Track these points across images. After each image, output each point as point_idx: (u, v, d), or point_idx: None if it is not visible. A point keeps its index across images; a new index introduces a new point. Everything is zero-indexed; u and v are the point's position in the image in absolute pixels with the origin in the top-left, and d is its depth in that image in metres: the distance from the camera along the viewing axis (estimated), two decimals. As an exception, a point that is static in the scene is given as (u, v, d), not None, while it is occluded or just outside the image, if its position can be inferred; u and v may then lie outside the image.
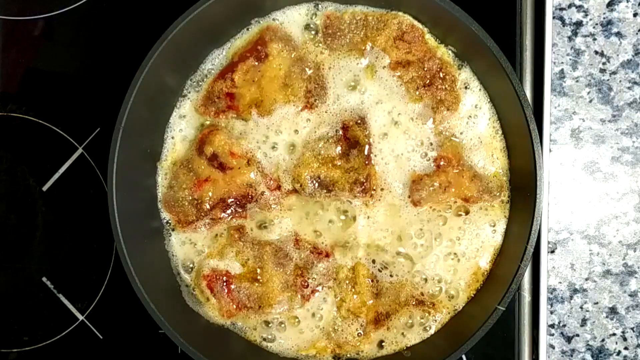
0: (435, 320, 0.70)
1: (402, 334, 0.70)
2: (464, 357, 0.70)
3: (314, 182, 0.69)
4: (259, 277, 0.70)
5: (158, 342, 0.74)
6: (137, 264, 0.67)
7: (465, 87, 0.69)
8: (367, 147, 0.69)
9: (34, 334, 0.80)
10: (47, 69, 0.80)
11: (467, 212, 0.69)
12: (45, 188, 0.80)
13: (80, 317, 0.80)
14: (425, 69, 0.68)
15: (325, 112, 0.70)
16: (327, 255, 0.70)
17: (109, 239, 0.68)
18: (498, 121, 0.69)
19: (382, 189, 0.70)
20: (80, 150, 0.79)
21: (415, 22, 0.69)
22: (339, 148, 0.69)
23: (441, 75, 0.68)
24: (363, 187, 0.69)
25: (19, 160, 0.80)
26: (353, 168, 0.69)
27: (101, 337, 0.79)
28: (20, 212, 0.81)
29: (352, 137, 0.69)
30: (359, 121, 0.69)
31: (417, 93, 0.69)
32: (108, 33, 0.79)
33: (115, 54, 0.78)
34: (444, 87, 0.68)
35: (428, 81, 0.68)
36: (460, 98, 0.69)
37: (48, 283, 0.80)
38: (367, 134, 0.69)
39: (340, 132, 0.69)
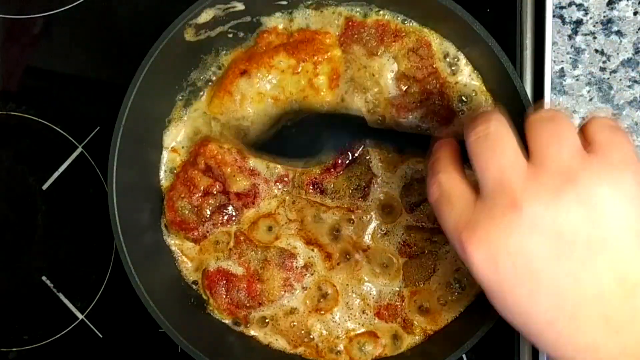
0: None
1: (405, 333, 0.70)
2: (464, 356, 0.70)
3: (316, 188, 0.69)
4: (260, 278, 0.70)
5: (158, 340, 0.74)
6: (137, 263, 0.67)
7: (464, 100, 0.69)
8: (367, 153, 0.69)
9: (33, 333, 0.80)
10: (47, 68, 0.80)
11: None
12: (44, 187, 0.80)
13: (80, 316, 0.80)
14: (428, 88, 0.68)
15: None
16: (329, 257, 0.70)
17: (109, 238, 0.68)
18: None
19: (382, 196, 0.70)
20: (80, 149, 0.79)
21: (434, 45, 0.68)
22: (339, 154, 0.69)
23: (440, 92, 0.69)
24: (364, 192, 0.69)
25: (19, 159, 0.80)
26: (355, 174, 0.69)
27: (101, 336, 0.79)
28: (20, 211, 0.80)
29: (351, 144, 0.69)
30: None
31: (413, 104, 0.68)
32: (108, 31, 0.79)
33: (115, 52, 0.78)
34: (440, 104, 0.68)
35: (425, 97, 0.68)
36: (456, 113, 0.69)
37: (48, 282, 0.80)
38: (365, 140, 0.68)
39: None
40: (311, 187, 0.69)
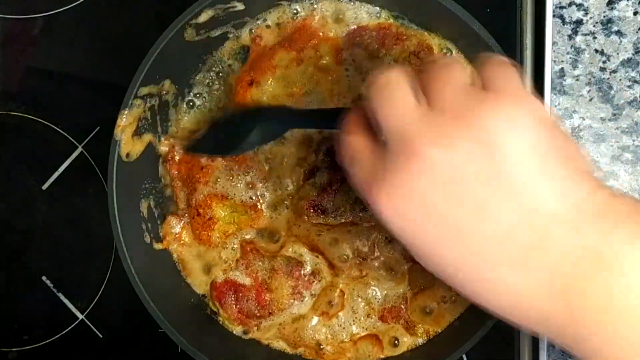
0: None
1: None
2: (464, 356, 0.70)
3: (317, 210, 0.69)
4: (268, 287, 0.70)
5: (158, 340, 0.74)
6: (137, 263, 0.67)
7: None
8: None
9: (33, 333, 0.80)
10: (47, 68, 0.79)
11: None
12: (44, 187, 0.79)
13: (80, 316, 0.79)
14: None
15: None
16: (333, 265, 0.70)
17: (109, 238, 0.68)
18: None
19: None
20: (80, 149, 0.79)
21: (435, 49, 0.68)
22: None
23: None
24: (363, 204, 0.68)
25: (19, 159, 0.80)
26: (351, 188, 0.68)
27: (101, 336, 0.79)
28: (20, 211, 0.80)
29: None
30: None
31: None
32: (108, 31, 0.79)
33: (115, 52, 0.78)
34: None
35: None
36: None
37: (47, 282, 0.80)
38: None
39: (329, 158, 0.69)
40: (312, 210, 0.69)
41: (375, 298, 0.70)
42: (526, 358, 0.72)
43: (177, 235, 0.71)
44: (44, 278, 0.80)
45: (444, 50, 0.69)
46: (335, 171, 0.69)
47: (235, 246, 0.71)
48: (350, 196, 0.69)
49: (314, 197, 0.69)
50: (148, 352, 0.79)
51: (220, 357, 0.68)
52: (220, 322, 0.72)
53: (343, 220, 0.69)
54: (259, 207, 0.70)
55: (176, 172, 0.71)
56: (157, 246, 0.71)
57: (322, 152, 0.69)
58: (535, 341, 0.72)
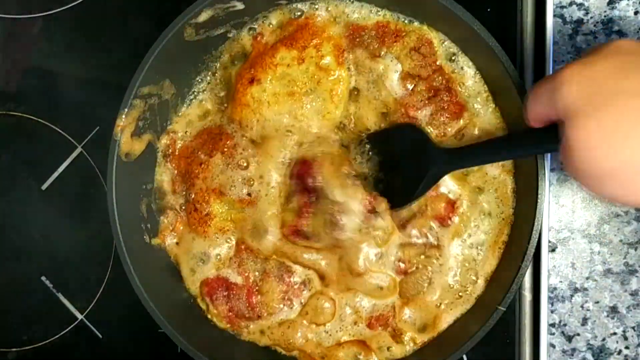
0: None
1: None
2: (464, 357, 0.70)
3: (300, 235, 0.68)
4: (259, 289, 0.70)
5: (158, 341, 0.74)
6: (137, 263, 0.67)
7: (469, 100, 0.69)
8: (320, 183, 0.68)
9: (33, 333, 0.80)
10: (46, 68, 0.79)
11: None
12: (44, 187, 0.79)
13: (80, 317, 0.79)
14: (434, 85, 0.68)
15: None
16: (323, 277, 0.70)
17: (109, 238, 0.68)
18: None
19: None
20: (79, 149, 0.79)
21: (435, 42, 0.68)
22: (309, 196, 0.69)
23: (447, 88, 0.68)
24: (335, 225, 0.67)
25: (18, 159, 0.80)
26: (321, 209, 0.68)
27: (100, 337, 0.79)
28: (20, 211, 0.80)
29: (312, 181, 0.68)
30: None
31: (422, 103, 0.68)
32: (108, 31, 0.79)
33: (115, 51, 0.78)
34: (449, 99, 0.68)
35: (433, 94, 0.68)
36: (465, 107, 0.68)
37: (47, 282, 0.80)
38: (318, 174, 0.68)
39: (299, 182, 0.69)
40: (294, 236, 0.69)
41: (363, 307, 0.70)
42: (527, 357, 0.72)
43: (172, 231, 0.71)
44: (43, 278, 0.80)
45: (444, 45, 0.69)
46: (303, 194, 0.68)
47: (231, 243, 0.71)
48: (320, 219, 0.68)
49: (293, 222, 0.68)
50: (148, 352, 0.79)
51: (219, 356, 0.68)
52: (209, 319, 0.72)
53: (322, 245, 0.69)
54: (255, 203, 0.70)
55: (175, 168, 0.71)
56: (155, 241, 0.71)
57: (294, 177, 0.69)
58: (535, 341, 0.72)
